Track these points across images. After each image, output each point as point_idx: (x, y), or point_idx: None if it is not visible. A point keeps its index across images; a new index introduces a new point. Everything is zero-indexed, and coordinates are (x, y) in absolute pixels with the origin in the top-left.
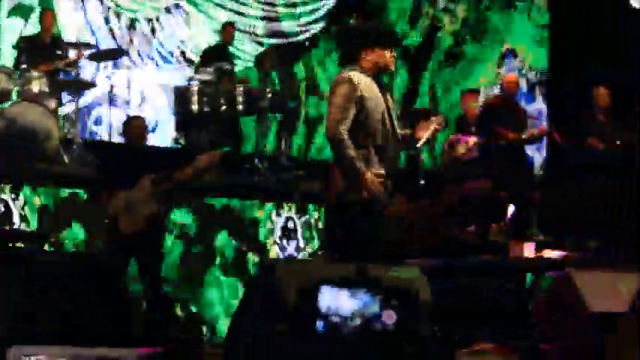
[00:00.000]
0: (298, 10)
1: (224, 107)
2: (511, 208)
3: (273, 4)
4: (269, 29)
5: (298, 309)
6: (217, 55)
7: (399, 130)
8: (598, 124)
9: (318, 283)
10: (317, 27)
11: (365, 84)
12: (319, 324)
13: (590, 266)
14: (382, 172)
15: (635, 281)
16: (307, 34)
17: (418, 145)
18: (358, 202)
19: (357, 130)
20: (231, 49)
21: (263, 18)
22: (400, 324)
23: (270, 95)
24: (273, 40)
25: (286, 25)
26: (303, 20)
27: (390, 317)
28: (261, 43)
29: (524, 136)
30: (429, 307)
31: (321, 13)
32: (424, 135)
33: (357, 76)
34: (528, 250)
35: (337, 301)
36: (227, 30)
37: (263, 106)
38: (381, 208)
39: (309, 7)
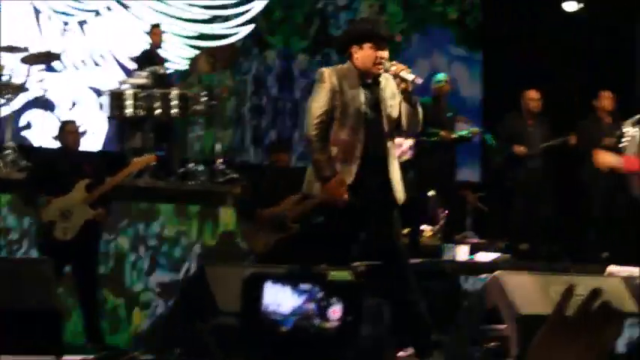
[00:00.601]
0: (227, 12)
1: (158, 111)
2: (443, 212)
3: (202, 7)
4: (199, 32)
5: (241, 306)
6: (150, 58)
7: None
8: (525, 129)
9: (261, 279)
10: (247, 29)
11: (342, 79)
12: (261, 320)
13: (521, 269)
14: (353, 169)
15: (564, 284)
16: (237, 37)
17: None
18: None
19: (332, 125)
20: (163, 52)
21: (193, 20)
22: (343, 322)
23: (204, 99)
24: (204, 43)
25: (216, 28)
26: (232, 22)
27: (334, 314)
28: (195, 47)
29: (454, 135)
30: (371, 307)
31: (250, 15)
32: None
33: (333, 71)
34: (462, 253)
35: (279, 298)
36: (155, 32)
37: (197, 109)
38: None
39: (239, 10)
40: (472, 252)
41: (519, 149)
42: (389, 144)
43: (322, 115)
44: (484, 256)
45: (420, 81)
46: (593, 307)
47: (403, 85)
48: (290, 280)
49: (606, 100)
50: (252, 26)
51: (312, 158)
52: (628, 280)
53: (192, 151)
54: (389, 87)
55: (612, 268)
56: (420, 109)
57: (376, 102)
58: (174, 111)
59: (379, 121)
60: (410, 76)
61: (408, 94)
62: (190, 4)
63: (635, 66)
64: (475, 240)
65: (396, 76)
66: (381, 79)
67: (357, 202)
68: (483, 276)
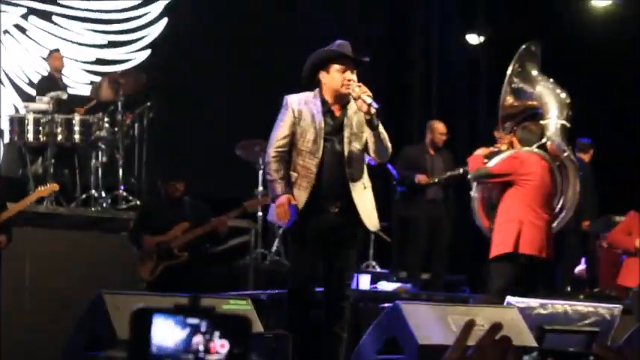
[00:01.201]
0: (123, 38)
1: (60, 137)
2: None
3: (98, 32)
4: (96, 57)
5: (131, 339)
6: (51, 83)
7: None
8: (425, 159)
9: (150, 312)
10: (143, 55)
11: (305, 105)
12: (147, 355)
13: (422, 299)
14: (306, 194)
15: (463, 314)
16: (134, 62)
17: None
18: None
19: (291, 151)
20: (65, 78)
21: (90, 45)
22: (230, 355)
23: (107, 125)
24: (100, 68)
25: (113, 53)
26: (128, 48)
27: (221, 347)
28: (94, 72)
29: None
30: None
31: (146, 41)
32: None
33: (296, 98)
34: (364, 282)
35: (168, 330)
36: (55, 57)
37: (100, 135)
38: None
39: (134, 36)
40: (374, 281)
41: (421, 178)
42: (353, 171)
43: (281, 140)
44: (386, 286)
45: (373, 109)
46: (492, 342)
47: (364, 108)
48: (177, 313)
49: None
50: (148, 51)
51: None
52: (525, 311)
53: (93, 178)
54: (357, 116)
55: (510, 299)
56: (384, 135)
57: (339, 129)
58: (76, 137)
59: (340, 148)
60: (368, 100)
61: (370, 118)
62: (87, 29)
63: None
64: (377, 269)
65: (358, 97)
66: (349, 107)
67: (310, 228)
68: (384, 305)
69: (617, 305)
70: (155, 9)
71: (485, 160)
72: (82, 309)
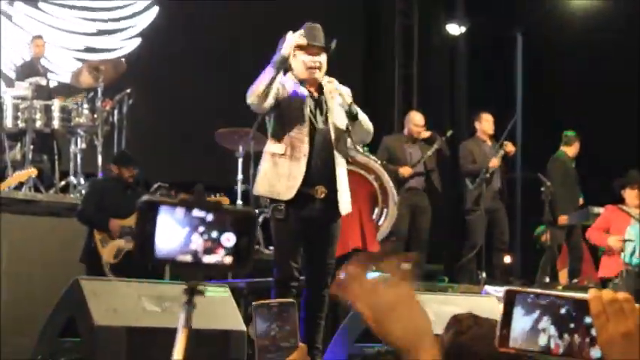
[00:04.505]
0: (112, 26)
1: (39, 123)
2: None
3: (89, 19)
4: (84, 44)
5: (138, 232)
6: (31, 69)
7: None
8: (403, 150)
9: (157, 204)
10: (133, 44)
11: (284, 87)
12: (153, 250)
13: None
14: (302, 164)
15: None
16: (123, 51)
17: None
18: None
19: (276, 132)
20: (47, 63)
21: (79, 33)
22: (236, 246)
23: (86, 112)
24: (89, 56)
25: (101, 41)
26: (118, 37)
27: (228, 241)
28: (81, 59)
29: None
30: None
31: (136, 30)
32: None
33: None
34: None
35: (171, 228)
36: (37, 44)
37: (79, 122)
38: None
39: (124, 24)
40: None
41: (404, 171)
42: (337, 154)
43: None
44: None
45: (349, 99)
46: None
47: (339, 101)
48: (184, 206)
49: (487, 122)
50: (138, 40)
51: None
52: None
53: (72, 164)
54: (336, 98)
55: (488, 289)
56: (361, 118)
57: (320, 109)
58: (55, 123)
59: (326, 127)
60: (336, 91)
61: (347, 109)
62: (77, 17)
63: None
64: None
65: (329, 92)
66: (325, 90)
67: (295, 218)
68: None
69: None
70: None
71: None
72: (59, 295)
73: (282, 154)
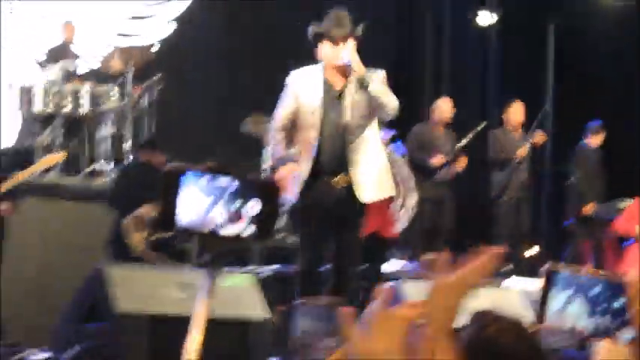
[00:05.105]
0: (146, 12)
1: (68, 107)
2: None
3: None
4: (117, 30)
5: (161, 201)
6: (61, 53)
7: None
8: (436, 138)
9: (181, 172)
10: (169, 30)
11: (305, 81)
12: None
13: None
14: (308, 166)
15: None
16: (158, 37)
17: None
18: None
19: (293, 126)
20: (77, 48)
21: (110, 18)
22: (259, 216)
23: (116, 97)
24: (120, 41)
25: (134, 26)
26: (153, 22)
27: (253, 208)
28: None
29: None
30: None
31: (169, 17)
32: None
33: (297, 74)
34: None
35: (194, 198)
36: (68, 28)
37: (108, 107)
38: None
39: (158, 10)
40: None
41: (436, 160)
42: (354, 144)
43: (284, 118)
44: (390, 266)
45: (345, 60)
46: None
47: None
48: (210, 173)
49: (515, 111)
50: (173, 26)
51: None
52: (526, 293)
53: (101, 149)
54: (359, 86)
55: (512, 280)
56: (375, 91)
57: (339, 100)
58: (84, 108)
59: (340, 118)
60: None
61: (360, 78)
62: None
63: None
64: None
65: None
66: (350, 78)
67: (316, 205)
68: (389, 284)
69: None
70: None
71: None
72: (84, 280)
73: (298, 155)
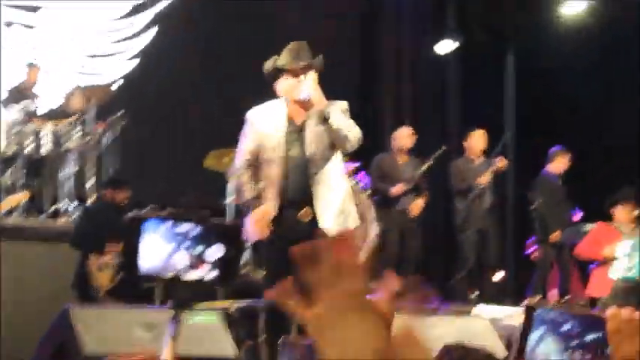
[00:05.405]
0: (109, 49)
1: (30, 147)
2: None
3: (83, 43)
4: (77, 69)
5: (123, 249)
6: (22, 94)
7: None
8: (396, 167)
9: (141, 221)
10: (129, 66)
11: (264, 116)
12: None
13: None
14: (275, 204)
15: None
16: (120, 74)
17: None
18: None
19: (258, 164)
20: (36, 88)
21: (71, 57)
22: (222, 260)
23: (78, 135)
24: (83, 80)
25: (94, 65)
26: (114, 59)
27: (216, 252)
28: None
29: None
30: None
31: (133, 52)
32: None
33: (256, 112)
34: None
35: (155, 245)
36: (32, 70)
37: (70, 146)
38: None
39: (121, 47)
40: None
41: (396, 190)
42: (317, 175)
43: (247, 153)
44: None
45: (304, 95)
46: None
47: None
48: (170, 220)
49: (476, 139)
50: (135, 62)
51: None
52: (494, 321)
53: (64, 189)
54: (319, 118)
55: (480, 308)
56: (335, 123)
57: (299, 135)
58: (45, 148)
59: (302, 152)
60: (302, 94)
61: (321, 114)
62: (71, 40)
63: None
64: None
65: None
66: (311, 112)
67: (275, 234)
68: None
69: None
70: (141, 20)
71: None
72: (50, 322)
73: (260, 194)
